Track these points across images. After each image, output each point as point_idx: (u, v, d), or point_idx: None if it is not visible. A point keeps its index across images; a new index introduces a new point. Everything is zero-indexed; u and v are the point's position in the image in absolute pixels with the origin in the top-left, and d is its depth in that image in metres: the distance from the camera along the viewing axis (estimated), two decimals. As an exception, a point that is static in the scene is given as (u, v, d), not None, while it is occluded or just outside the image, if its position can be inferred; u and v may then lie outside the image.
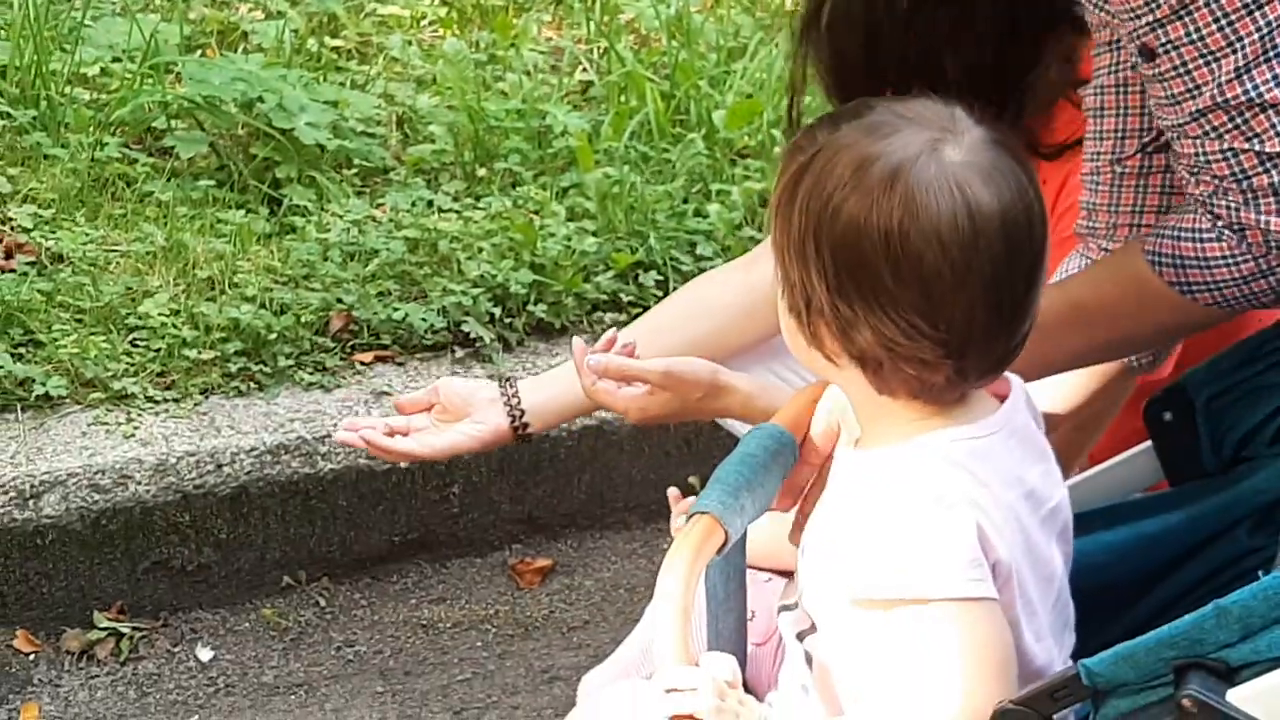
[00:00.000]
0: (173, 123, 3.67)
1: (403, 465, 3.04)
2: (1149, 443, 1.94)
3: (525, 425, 2.51)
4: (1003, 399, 1.70)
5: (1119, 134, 2.03)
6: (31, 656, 2.85)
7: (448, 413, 2.53)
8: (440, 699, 2.88)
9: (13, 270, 3.21)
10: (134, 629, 2.91)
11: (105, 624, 2.89)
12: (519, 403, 2.51)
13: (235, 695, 2.86)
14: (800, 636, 1.76)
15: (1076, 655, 1.53)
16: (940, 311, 1.59)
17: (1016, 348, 1.65)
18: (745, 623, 1.86)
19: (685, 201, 3.63)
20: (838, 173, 1.60)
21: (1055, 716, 1.51)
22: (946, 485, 1.59)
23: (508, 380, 2.54)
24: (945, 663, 1.57)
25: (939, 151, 1.59)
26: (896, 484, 1.63)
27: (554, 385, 2.54)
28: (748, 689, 1.91)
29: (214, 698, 2.85)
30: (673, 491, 2.08)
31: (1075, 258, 2.12)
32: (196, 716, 2.81)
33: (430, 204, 3.59)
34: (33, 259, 3.26)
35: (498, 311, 3.27)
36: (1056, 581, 1.69)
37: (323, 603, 3.05)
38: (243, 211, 3.46)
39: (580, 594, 3.15)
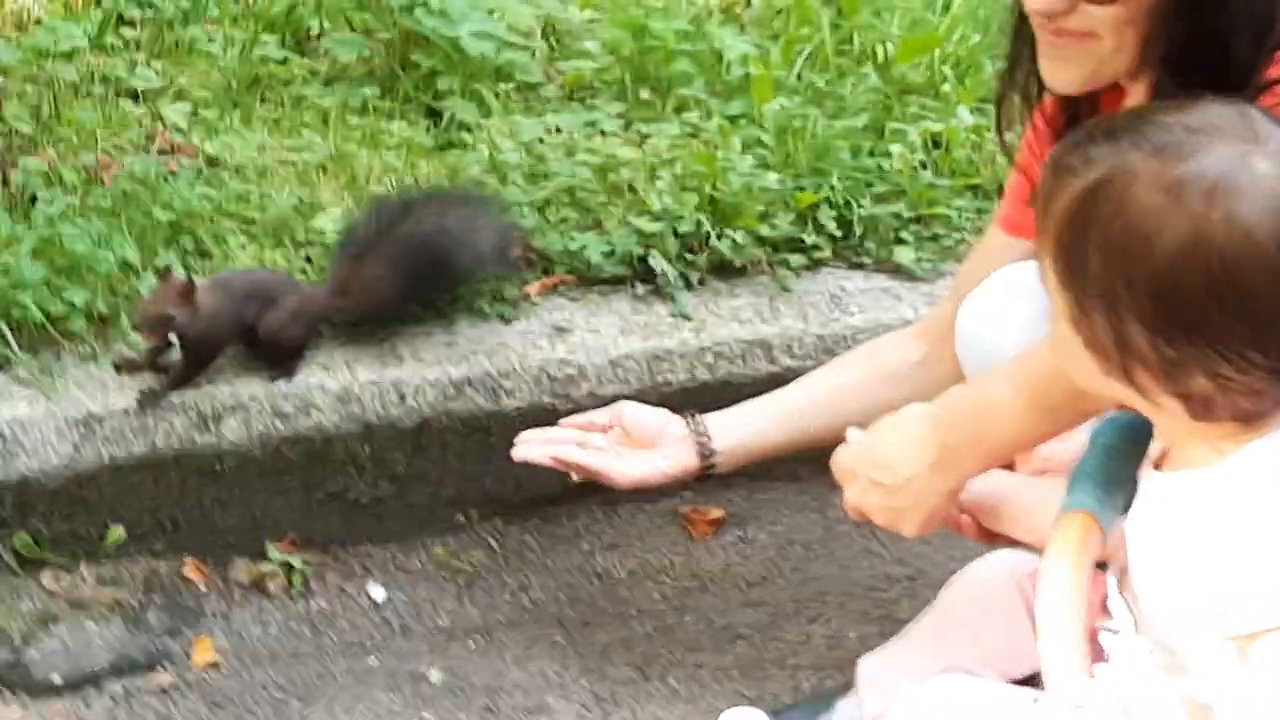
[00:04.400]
0: (325, 24, 3.50)
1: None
2: None
3: (714, 466, 2.57)
4: None
5: None
6: (202, 586, 2.72)
7: (632, 439, 2.57)
8: (623, 652, 2.76)
9: (173, 172, 3.05)
10: (304, 562, 2.78)
11: (277, 556, 2.76)
12: (710, 443, 2.56)
13: (413, 638, 2.73)
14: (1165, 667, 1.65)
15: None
16: (1273, 340, 1.48)
17: None
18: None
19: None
20: (1143, 202, 1.46)
21: None
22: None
23: (695, 418, 2.57)
24: None
25: (1251, 166, 1.46)
26: (1230, 511, 1.53)
27: (744, 428, 2.58)
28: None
29: (391, 640, 2.72)
30: (852, 432, 2.15)
31: None
32: (374, 658, 2.68)
33: (591, 125, 3.43)
34: (191, 159, 3.10)
35: (677, 247, 3.13)
36: None
37: (493, 543, 2.93)
38: (405, 123, 3.30)
39: (755, 548, 3.03)
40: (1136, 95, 2.12)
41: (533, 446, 2.56)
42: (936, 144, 3.55)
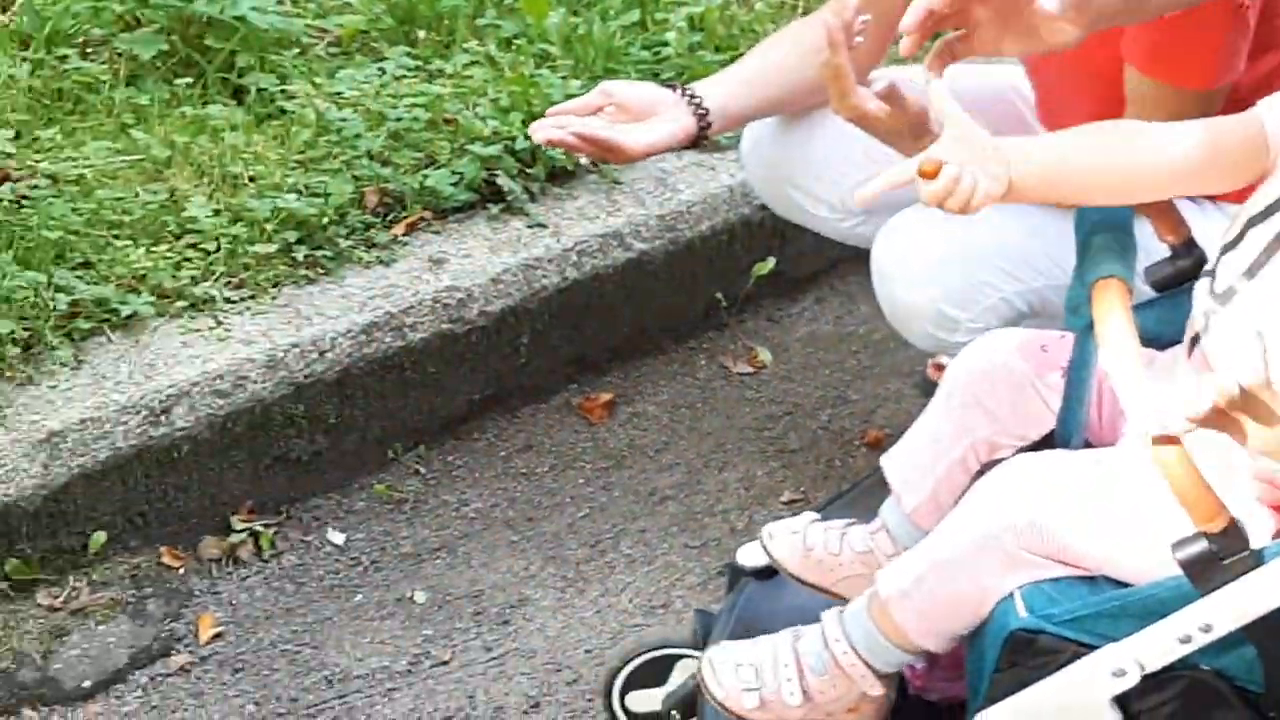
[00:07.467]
0: (112, 28, 3.57)
1: (487, 312, 3.11)
2: None
3: (709, 127, 2.68)
4: None
5: None
6: (182, 569, 2.85)
7: (629, 113, 2.63)
8: (572, 536, 3.01)
9: (25, 196, 3.11)
10: (265, 526, 2.94)
11: (240, 526, 2.92)
12: (702, 102, 2.67)
13: (385, 569, 2.92)
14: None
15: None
16: None
17: None
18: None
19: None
20: None
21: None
22: None
23: (683, 87, 2.68)
24: None
25: None
26: None
27: (724, 95, 2.69)
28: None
29: (367, 575, 2.91)
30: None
31: None
32: (359, 595, 2.87)
33: (383, 72, 3.60)
34: (32, 180, 3.17)
35: (514, 165, 3.35)
36: None
37: (422, 470, 3.13)
38: (220, 105, 3.42)
39: (648, 419, 3.30)
40: None
41: (550, 129, 2.58)
42: (694, 27, 3.84)
